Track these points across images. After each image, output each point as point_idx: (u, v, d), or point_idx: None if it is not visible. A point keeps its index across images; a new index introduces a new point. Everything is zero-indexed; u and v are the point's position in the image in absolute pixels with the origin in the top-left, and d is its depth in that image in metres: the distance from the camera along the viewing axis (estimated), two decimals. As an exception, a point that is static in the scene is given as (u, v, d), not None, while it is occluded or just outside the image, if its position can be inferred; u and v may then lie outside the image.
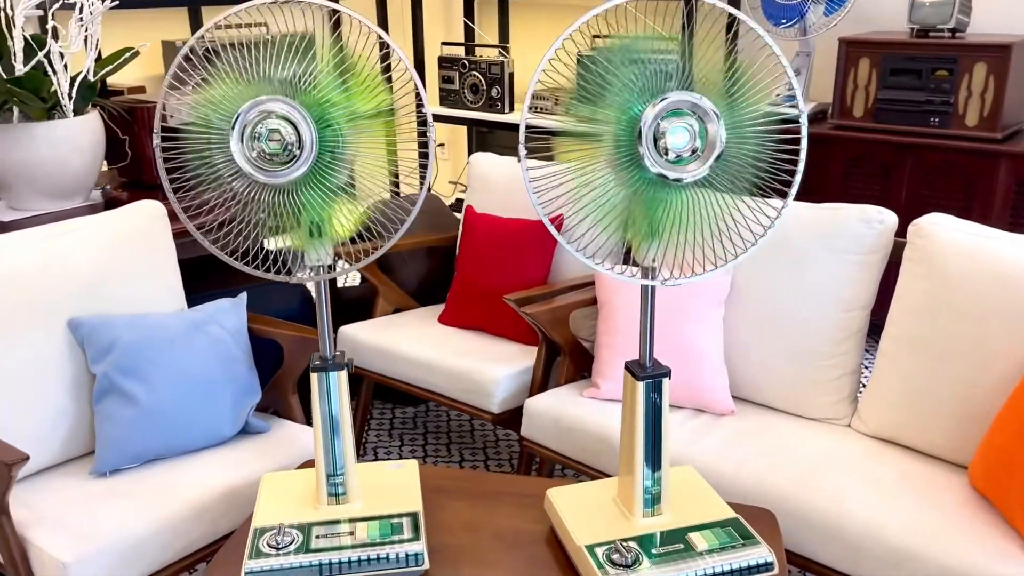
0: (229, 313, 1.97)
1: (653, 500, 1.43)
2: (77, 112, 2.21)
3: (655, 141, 1.23)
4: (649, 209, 1.28)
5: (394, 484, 1.55)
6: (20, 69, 2.07)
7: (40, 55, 2.09)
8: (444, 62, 4.12)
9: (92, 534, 1.57)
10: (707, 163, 1.25)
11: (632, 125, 1.26)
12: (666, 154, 1.24)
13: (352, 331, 2.48)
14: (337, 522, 1.44)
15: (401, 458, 2.65)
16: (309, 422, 2.59)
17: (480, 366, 2.22)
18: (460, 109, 4.11)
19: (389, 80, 1.41)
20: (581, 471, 2.01)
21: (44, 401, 1.80)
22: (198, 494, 1.70)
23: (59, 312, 1.84)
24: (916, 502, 1.63)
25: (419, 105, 1.43)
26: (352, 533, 1.41)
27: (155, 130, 1.34)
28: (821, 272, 2.00)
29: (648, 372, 1.38)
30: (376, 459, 2.65)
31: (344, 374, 1.43)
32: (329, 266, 1.38)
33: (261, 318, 2.06)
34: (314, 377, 1.41)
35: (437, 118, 4.18)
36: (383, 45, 1.44)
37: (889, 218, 1.98)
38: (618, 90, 1.27)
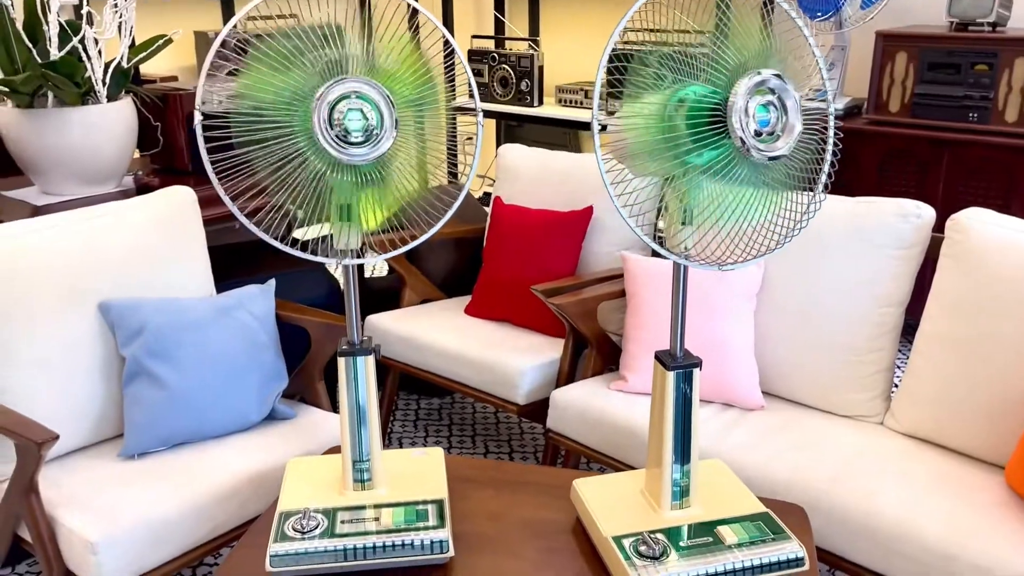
0: (257, 299, 1.98)
1: (682, 493, 1.41)
2: (111, 98, 2.22)
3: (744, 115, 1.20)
4: (685, 197, 1.26)
5: (419, 471, 1.54)
6: (55, 54, 2.09)
7: (75, 40, 2.10)
8: (474, 55, 4.11)
9: (120, 515, 1.58)
10: (789, 142, 1.23)
11: (679, 107, 1.24)
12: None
13: (379, 320, 2.47)
14: (362, 507, 1.43)
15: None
16: (335, 409, 2.60)
17: (506, 357, 2.21)
18: (489, 102, 4.10)
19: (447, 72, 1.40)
20: (607, 464, 1.99)
21: (75, 383, 1.81)
22: (224, 478, 1.71)
23: (91, 295, 1.85)
24: (950, 502, 1.60)
25: (462, 96, 1.42)
26: (377, 519, 1.40)
27: (196, 106, 1.33)
28: (856, 267, 1.96)
29: (679, 362, 1.36)
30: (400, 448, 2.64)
31: (371, 359, 1.42)
32: (359, 251, 1.38)
33: (289, 305, 2.06)
34: (341, 362, 1.41)
35: (466, 110, 4.17)
36: (414, 24, 1.43)
37: (927, 212, 1.94)
38: (671, 74, 1.25)
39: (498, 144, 4.66)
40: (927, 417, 1.85)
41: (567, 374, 2.21)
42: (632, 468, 1.95)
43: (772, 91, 1.23)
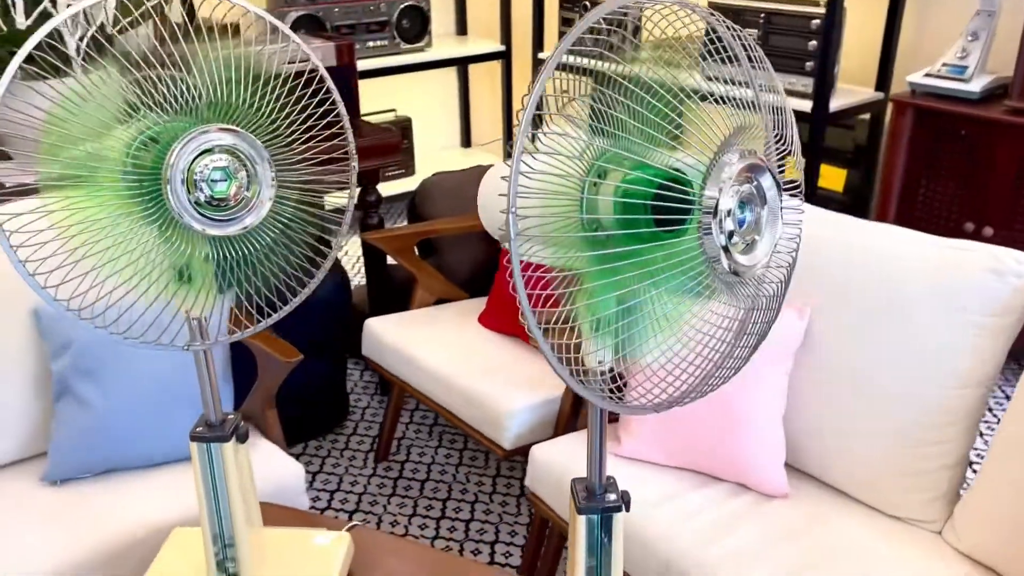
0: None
1: (599, 657, 1.08)
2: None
3: None
4: (592, 300, 0.90)
5: (307, 564, 1.29)
6: (22, 23, 1.91)
7: (46, 3, 1.91)
8: (565, 1, 3.69)
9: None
10: (768, 248, 0.87)
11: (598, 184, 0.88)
12: None
13: (376, 326, 2.21)
14: (218, 614, 1.20)
15: (434, 462, 2.40)
16: (289, 441, 2.40)
17: (498, 391, 1.90)
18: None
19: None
20: (589, 539, 1.67)
21: (1, 394, 1.67)
22: (132, 528, 1.52)
23: (24, 299, 1.69)
24: None
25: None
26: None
27: None
28: (930, 332, 1.52)
29: (596, 501, 1.01)
30: (407, 459, 2.41)
31: (230, 447, 1.16)
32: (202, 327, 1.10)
33: (247, 318, 1.83)
34: (193, 447, 1.16)
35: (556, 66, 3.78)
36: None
37: (1032, 270, 1.46)
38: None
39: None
40: (996, 540, 1.42)
41: (567, 416, 1.88)
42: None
43: (750, 178, 0.85)
